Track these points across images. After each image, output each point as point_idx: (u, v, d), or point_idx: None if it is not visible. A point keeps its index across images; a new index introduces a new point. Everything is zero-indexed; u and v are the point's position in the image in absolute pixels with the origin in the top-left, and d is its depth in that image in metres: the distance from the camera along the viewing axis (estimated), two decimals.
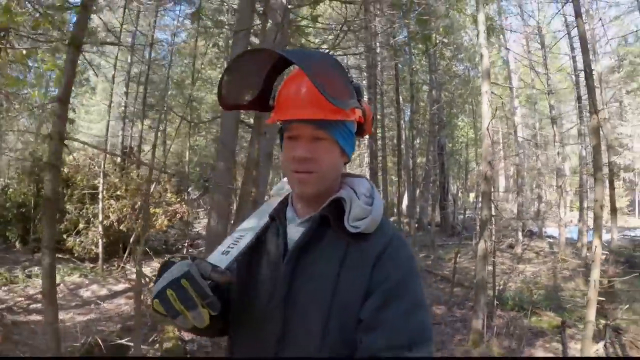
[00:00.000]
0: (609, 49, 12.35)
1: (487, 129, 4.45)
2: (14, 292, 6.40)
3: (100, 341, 3.89)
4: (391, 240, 0.79)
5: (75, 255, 8.28)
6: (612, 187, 6.52)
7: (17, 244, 10.86)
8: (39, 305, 5.64)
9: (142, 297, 3.81)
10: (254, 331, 0.80)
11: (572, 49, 10.65)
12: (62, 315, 5.32)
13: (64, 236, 8.32)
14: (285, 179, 0.93)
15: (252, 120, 4.55)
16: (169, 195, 7.67)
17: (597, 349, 4.01)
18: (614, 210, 6.96)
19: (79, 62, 2.42)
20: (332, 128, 0.79)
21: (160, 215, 7.10)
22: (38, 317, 5.17)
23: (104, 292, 6.57)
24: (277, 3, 4.12)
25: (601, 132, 4.26)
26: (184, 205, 7.69)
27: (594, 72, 4.87)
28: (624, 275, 5.62)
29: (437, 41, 9.25)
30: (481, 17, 4.60)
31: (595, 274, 3.53)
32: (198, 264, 0.70)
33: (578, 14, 4.07)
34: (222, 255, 0.76)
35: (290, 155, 0.80)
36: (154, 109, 10.97)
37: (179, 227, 8.95)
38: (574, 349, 4.28)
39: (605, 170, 5.74)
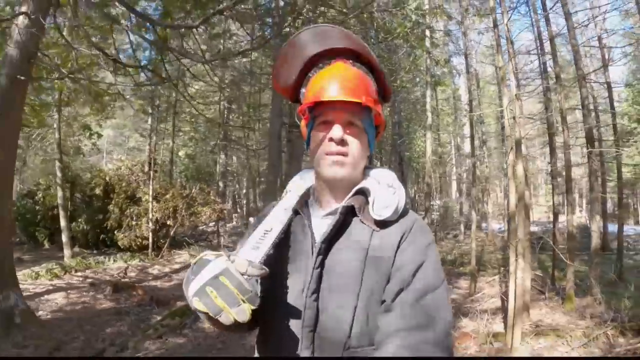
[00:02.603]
0: None
1: (428, 158, 7.51)
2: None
3: None
4: (412, 225, 0.83)
5: (122, 247, 10.47)
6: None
7: (46, 243, 12.75)
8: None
9: None
10: (287, 322, 0.81)
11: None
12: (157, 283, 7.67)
13: (115, 232, 10.50)
14: (298, 175, 0.98)
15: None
16: (212, 197, 10.15)
17: (494, 278, 7.14)
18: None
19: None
20: (364, 118, 0.84)
21: (205, 212, 9.58)
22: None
23: (166, 269, 8.91)
24: None
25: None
26: (222, 206, 10.21)
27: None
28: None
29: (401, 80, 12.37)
30: (428, 93, 7.65)
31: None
32: (234, 260, 0.70)
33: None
34: (253, 251, 0.77)
35: (327, 137, 0.82)
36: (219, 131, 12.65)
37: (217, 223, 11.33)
38: (482, 280, 7.39)
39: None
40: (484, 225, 18.50)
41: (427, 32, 7.80)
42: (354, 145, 0.82)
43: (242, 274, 0.68)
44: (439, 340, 0.72)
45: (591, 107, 7.73)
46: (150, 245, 10.02)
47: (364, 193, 0.84)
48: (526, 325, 4.10)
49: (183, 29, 4.97)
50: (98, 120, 12.02)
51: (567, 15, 5.88)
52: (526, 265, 3.96)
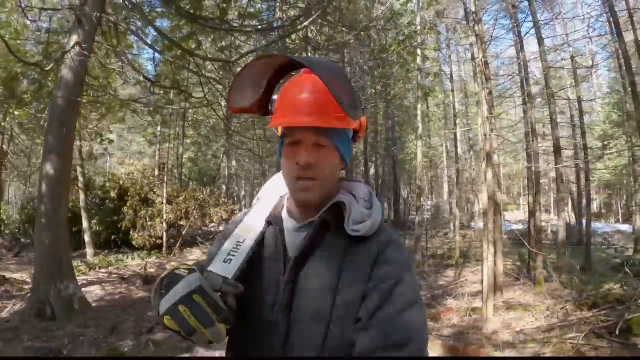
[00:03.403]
0: None
1: (419, 163, 8.42)
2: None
3: None
4: (389, 242, 0.81)
5: (136, 246, 11.22)
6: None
7: None
8: None
9: None
10: (258, 337, 0.79)
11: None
12: None
13: (130, 232, 11.25)
14: (270, 182, 0.96)
15: None
16: (223, 199, 10.97)
17: (477, 268, 8.08)
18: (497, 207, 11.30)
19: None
20: (334, 135, 0.80)
21: (217, 212, 10.41)
22: None
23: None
24: None
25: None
26: (232, 207, 11.04)
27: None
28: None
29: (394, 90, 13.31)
30: (419, 106, 8.57)
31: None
32: (207, 276, 0.69)
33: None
34: (226, 264, 0.76)
35: (294, 161, 0.79)
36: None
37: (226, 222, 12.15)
38: (467, 270, 8.33)
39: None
40: (472, 224, 19.66)
41: (419, 51, 8.71)
42: (324, 165, 0.80)
43: (216, 291, 0.67)
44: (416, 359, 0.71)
45: (561, 119, 8.70)
46: (165, 244, 10.81)
47: (339, 208, 0.82)
48: (499, 302, 5.03)
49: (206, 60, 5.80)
50: (108, 127, 12.76)
51: (540, 41, 6.86)
52: (498, 252, 4.88)
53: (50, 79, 5.61)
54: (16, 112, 6.24)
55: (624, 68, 6.88)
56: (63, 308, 4.93)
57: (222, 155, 14.05)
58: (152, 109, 9.27)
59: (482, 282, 5.08)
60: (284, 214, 0.87)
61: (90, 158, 13.72)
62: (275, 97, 0.85)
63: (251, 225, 0.86)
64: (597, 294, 5.56)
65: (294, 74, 0.85)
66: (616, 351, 4.04)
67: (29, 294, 5.23)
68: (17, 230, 14.89)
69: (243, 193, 24.99)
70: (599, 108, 18.88)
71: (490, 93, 5.30)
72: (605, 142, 17.31)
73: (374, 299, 0.74)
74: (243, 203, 24.22)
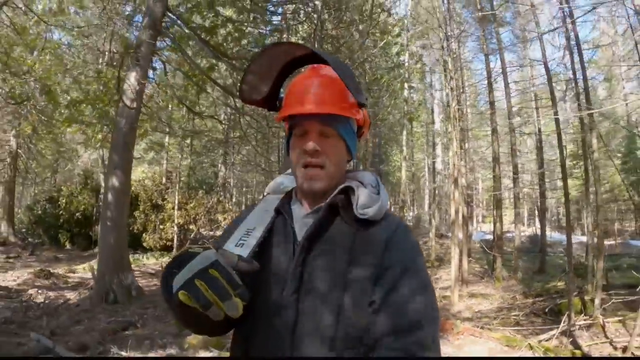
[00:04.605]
0: None
1: (403, 182, 9.94)
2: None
3: None
4: (397, 227, 0.83)
5: (147, 247, 12.30)
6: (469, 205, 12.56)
7: (67, 244, 14.34)
8: None
9: None
10: (268, 322, 0.79)
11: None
12: None
13: (143, 234, 12.33)
14: (278, 179, 0.99)
15: None
16: (229, 206, 12.24)
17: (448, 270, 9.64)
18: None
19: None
20: (339, 125, 0.83)
21: (224, 218, 11.68)
22: None
23: None
24: None
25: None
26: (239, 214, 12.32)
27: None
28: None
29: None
30: (404, 133, 10.12)
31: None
32: (222, 253, 0.70)
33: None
34: (237, 247, 0.77)
35: (302, 149, 0.82)
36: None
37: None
38: (442, 271, 9.86)
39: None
40: (449, 233, 21.42)
41: (406, 85, 10.32)
42: (330, 154, 0.82)
43: (232, 268, 0.67)
44: (429, 341, 0.72)
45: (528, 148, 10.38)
46: (175, 245, 11.96)
47: (347, 193, 0.84)
48: (464, 292, 6.56)
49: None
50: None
51: (506, 84, 8.57)
52: (464, 254, 6.43)
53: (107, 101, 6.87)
54: (68, 129, 7.43)
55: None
56: (124, 294, 6.14)
57: (227, 167, 15.29)
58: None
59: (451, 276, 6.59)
60: (294, 203, 0.90)
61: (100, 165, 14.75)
62: (282, 94, 0.88)
63: (261, 214, 0.89)
64: (542, 288, 7.18)
65: (302, 70, 0.89)
66: (548, 324, 5.57)
67: (94, 284, 6.41)
68: (24, 230, 15.65)
69: (234, 200, 26.14)
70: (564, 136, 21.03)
71: (461, 130, 6.89)
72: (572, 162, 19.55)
73: (384, 284, 0.76)
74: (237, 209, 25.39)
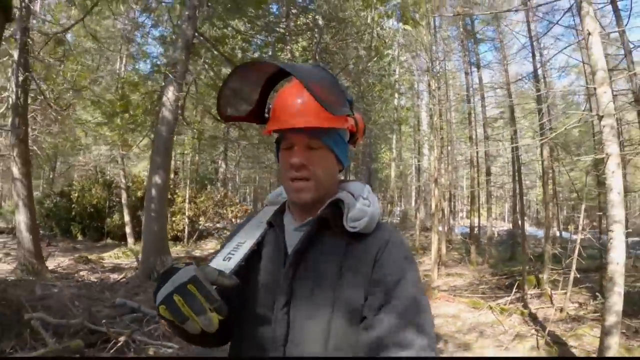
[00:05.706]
0: None
1: (393, 181, 11.33)
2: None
3: None
4: (389, 239, 0.82)
5: None
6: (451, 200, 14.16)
7: (79, 236, 15.32)
8: None
9: None
10: (258, 336, 0.81)
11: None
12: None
13: None
14: (278, 189, 0.98)
15: None
16: (236, 200, 13.50)
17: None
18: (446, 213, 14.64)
19: None
20: (326, 137, 0.83)
21: (232, 210, 12.98)
22: None
23: (205, 253, 12.12)
24: None
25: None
26: (246, 207, 13.63)
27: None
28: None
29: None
30: (394, 138, 11.49)
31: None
32: (203, 269, 0.70)
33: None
34: (224, 261, 0.78)
35: (288, 163, 0.83)
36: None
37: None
38: (426, 258, 11.37)
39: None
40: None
41: (396, 94, 11.75)
42: (317, 166, 0.82)
43: (212, 284, 0.68)
44: (425, 355, 0.71)
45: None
46: (186, 236, 13.17)
47: (338, 205, 0.84)
48: (443, 272, 8.07)
49: None
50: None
51: (482, 99, 10.08)
52: (442, 241, 7.92)
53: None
54: (107, 133, 8.60)
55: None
56: None
57: (228, 163, 16.50)
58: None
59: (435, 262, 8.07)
60: (285, 216, 0.91)
61: (112, 161, 15.76)
62: (270, 105, 0.88)
63: (253, 228, 0.90)
64: (508, 270, 8.75)
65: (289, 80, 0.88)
66: (508, 294, 7.07)
67: (139, 264, 7.64)
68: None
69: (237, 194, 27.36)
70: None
71: (442, 138, 8.35)
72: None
73: (378, 297, 0.76)
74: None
